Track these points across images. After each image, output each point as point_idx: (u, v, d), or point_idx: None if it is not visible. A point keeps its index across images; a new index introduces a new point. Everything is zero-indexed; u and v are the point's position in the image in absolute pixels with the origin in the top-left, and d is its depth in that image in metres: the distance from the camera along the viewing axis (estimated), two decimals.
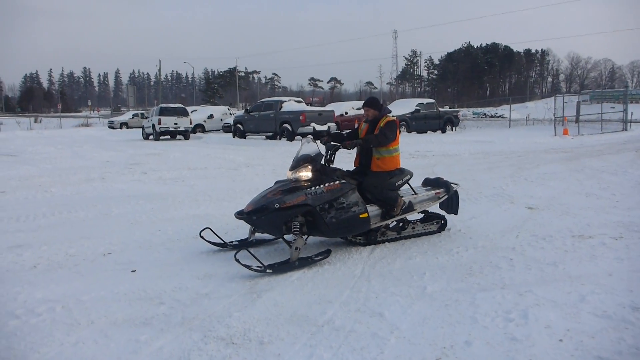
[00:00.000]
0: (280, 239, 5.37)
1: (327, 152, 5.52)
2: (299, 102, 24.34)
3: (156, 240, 6.03)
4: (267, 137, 22.91)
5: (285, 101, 23.10)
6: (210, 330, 3.63)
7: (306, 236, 5.21)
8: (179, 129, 25.24)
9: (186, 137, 25.72)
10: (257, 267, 4.69)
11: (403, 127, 23.76)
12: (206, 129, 31.22)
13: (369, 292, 4.26)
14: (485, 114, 46.92)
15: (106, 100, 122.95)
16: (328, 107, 27.36)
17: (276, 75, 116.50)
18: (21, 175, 12.14)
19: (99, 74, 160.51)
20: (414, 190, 5.92)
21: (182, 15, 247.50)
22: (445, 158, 14.47)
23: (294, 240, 4.94)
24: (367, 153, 5.65)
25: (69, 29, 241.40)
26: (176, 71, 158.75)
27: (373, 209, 5.46)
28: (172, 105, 27.76)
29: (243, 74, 75.85)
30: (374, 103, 5.78)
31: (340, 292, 4.27)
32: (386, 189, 5.49)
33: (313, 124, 20.45)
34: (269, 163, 13.70)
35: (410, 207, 5.76)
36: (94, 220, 7.19)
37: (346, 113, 26.35)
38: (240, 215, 5.15)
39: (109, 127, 40.92)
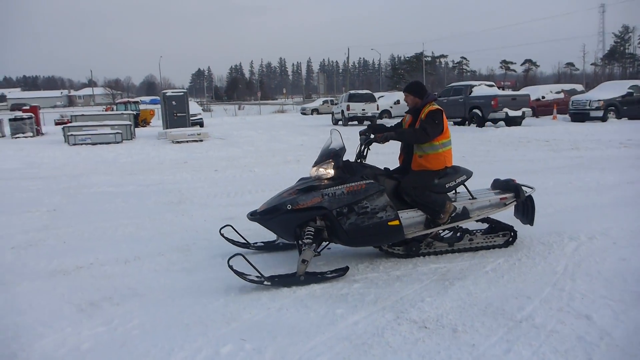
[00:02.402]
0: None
1: (360, 146, 4.88)
2: (490, 86, 23.22)
3: None
4: (455, 123, 22.29)
5: (476, 85, 22.22)
6: (403, 312, 3.68)
7: (325, 244, 4.76)
8: (367, 115, 25.86)
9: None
10: (257, 277, 4.22)
11: (611, 112, 21.19)
12: (392, 115, 31.53)
13: (574, 292, 3.91)
14: None
15: (299, 88, 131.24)
16: (522, 91, 25.65)
17: (464, 59, 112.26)
18: (229, 156, 13.61)
19: (293, 64, 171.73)
20: (471, 194, 5.06)
21: (369, 2, 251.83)
22: None
23: (303, 251, 4.37)
24: (409, 149, 4.89)
25: (267, 23, 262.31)
26: (363, 58, 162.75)
27: (413, 215, 4.74)
28: (360, 91, 28.56)
29: (430, 59, 74.83)
30: (414, 88, 4.94)
31: (541, 289, 3.99)
32: (429, 191, 4.68)
33: (506, 109, 19.37)
34: (457, 150, 13.23)
35: (464, 214, 4.89)
36: None
37: (543, 97, 24.46)
38: (252, 216, 4.66)
39: (302, 113, 43.62)
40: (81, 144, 18.76)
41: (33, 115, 26.10)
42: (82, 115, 23.68)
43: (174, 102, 22.14)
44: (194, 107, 27.60)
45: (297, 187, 4.60)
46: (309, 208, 4.37)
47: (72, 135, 19.35)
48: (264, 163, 11.86)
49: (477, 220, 5.06)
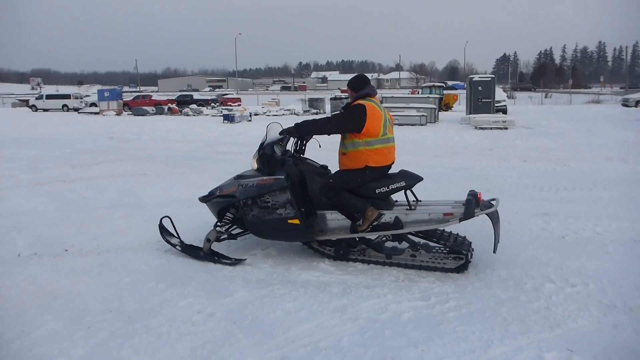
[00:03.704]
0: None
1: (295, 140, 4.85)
2: None
3: None
4: None
5: None
6: None
7: (236, 230, 4.96)
8: None
9: None
10: (177, 242, 4.95)
11: None
12: None
13: None
14: None
15: (620, 77, 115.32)
16: None
17: None
18: (539, 146, 12.72)
19: (615, 48, 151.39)
20: (409, 204, 4.50)
21: None
22: None
23: (210, 231, 4.81)
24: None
25: (584, 2, 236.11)
26: None
27: (338, 217, 4.60)
28: None
29: None
30: (352, 82, 4.64)
31: None
32: (349, 193, 4.43)
33: None
34: None
35: (396, 225, 4.40)
36: (619, 202, 6.77)
37: None
38: (202, 198, 4.96)
39: (623, 105, 38.11)
40: None
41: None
42: (392, 97, 25.27)
43: (479, 88, 21.91)
44: (499, 93, 26.76)
45: (238, 174, 4.85)
46: (227, 195, 4.68)
47: None
48: (580, 158, 10.70)
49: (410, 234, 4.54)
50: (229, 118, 23.59)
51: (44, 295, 3.90)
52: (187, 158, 11.38)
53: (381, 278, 4.24)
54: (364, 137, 4.35)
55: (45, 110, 39.48)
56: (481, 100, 21.82)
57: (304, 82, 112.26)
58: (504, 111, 25.30)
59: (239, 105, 35.96)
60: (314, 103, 31.31)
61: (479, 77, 23.05)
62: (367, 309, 3.67)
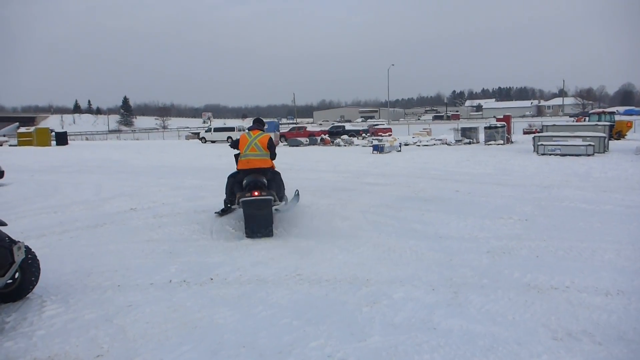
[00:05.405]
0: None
1: None
2: None
3: None
4: None
5: None
6: None
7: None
8: None
9: None
10: (219, 210, 8.32)
11: None
12: None
13: None
14: None
15: None
16: None
17: None
18: None
19: None
20: (275, 198, 7.13)
21: None
22: None
23: None
24: None
25: None
26: None
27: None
28: None
29: None
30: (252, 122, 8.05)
31: None
32: (237, 184, 7.40)
33: None
34: None
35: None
36: None
37: None
38: None
39: None
40: (550, 154, 18.58)
41: (505, 124, 27.64)
42: (554, 125, 23.42)
43: None
44: None
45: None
46: None
47: (541, 144, 19.38)
48: None
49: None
50: (378, 148, 23.65)
51: (186, 324, 4.03)
52: (335, 189, 11.43)
53: (536, 333, 3.71)
54: (241, 153, 7.37)
55: (212, 141, 43.34)
56: None
57: (457, 111, 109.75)
58: None
59: (390, 135, 36.04)
60: (466, 132, 30.19)
61: None
62: None
